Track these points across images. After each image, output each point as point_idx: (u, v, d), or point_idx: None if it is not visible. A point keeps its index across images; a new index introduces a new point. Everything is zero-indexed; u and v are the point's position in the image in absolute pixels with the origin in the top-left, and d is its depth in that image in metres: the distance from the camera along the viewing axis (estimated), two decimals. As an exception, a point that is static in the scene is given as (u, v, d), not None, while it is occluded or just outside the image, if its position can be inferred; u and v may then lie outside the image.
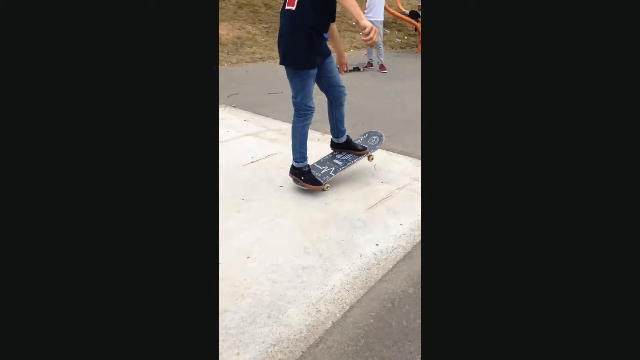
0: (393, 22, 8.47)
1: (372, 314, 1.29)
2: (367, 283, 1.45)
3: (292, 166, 2.06)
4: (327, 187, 2.12)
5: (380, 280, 1.46)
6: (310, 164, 2.11)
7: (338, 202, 2.04)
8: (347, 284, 1.44)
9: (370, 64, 5.82)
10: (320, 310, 1.32)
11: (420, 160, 2.57)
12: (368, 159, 2.37)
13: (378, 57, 5.63)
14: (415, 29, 7.67)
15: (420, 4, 7.74)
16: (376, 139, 2.40)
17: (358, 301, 1.35)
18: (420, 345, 1.16)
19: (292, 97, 1.95)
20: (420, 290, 1.39)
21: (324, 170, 2.20)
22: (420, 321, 1.26)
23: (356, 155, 2.26)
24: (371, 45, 1.73)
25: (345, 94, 2.09)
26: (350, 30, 7.92)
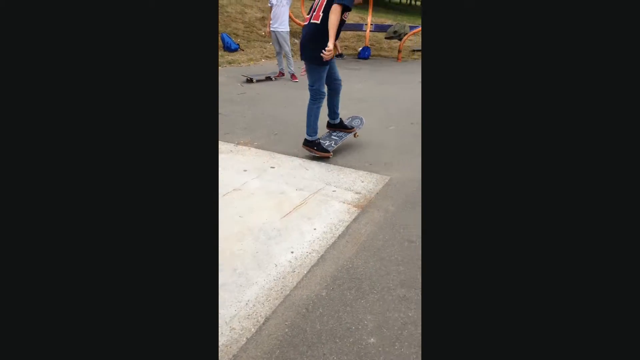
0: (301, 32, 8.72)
1: (287, 322, 1.29)
2: (282, 292, 1.44)
3: (306, 139, 2.72)
4: (332, 155, 2.77)
5: (295, 287, 1.47)
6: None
7: (253, 213, 2.01)
8: (262, 297, 1.42)
9: (281, 74, 5.89)
10: (234, 328, 1.27)
11: (332, 165, 2.67)
12: (354, 135, 3.08)
13: (289, 67, 5.73)
14: (323, 39, 7.99)
15: (325, 15, 8.09)
16: (358, 121, 3.15)
17: (273, 312, 1.34)
18: (332, 346, 1.20)
19: (309, 85, 2.63)
20: (332, 292, 1.44)
21: (326, 144, 2.85)
22: (332, 322, 1.29)
23: (346, 132, 2.98)
24: (326, 59, 2.39)
25: (341, 86, 2.82)
26: (260, 41, 7.94)
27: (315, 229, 1.89)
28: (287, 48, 5.62)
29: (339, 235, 1.83)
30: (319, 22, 2.40)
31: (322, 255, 1.67)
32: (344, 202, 2.17)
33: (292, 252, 1.70)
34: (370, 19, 9.19)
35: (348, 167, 2.64)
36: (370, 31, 8.85)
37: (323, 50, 2.34)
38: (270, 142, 3.07)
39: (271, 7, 5.47)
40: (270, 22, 5.53)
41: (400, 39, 8.43)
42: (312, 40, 2.44)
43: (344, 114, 3.09)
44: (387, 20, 11.29)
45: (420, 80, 4.24)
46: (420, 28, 8.56)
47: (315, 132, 2.71)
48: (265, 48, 7.66)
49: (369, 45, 8.64)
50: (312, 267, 1.59)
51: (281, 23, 5.47)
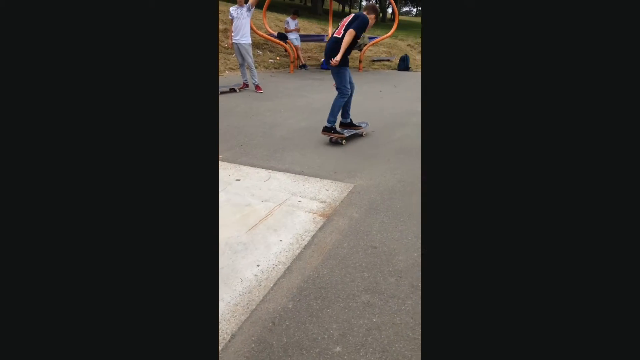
0: (264, 43, 8.75)
1: (253, 338, 1.28)
2: (248, 307, 1.43)
3: (325, 127, 3.43)
4: (345, 141, 3.46)
5: (262, 301, 1.46)
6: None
7: (219, 228, 1.98)
8: (228, 314, 1.40)
9: (245, 85, 5.87)
10: (199, 349, 1.24)
11: (297, 175, 2.68)
12: (362, 134, 3.75)
13: (252, 78, 5.72)
14: (285, 50, 8.06)
15: (285, 27, 8.18)
16: (365, 124, 3.82)
17: (239, 328, 1.32)
18: (299, 358, 1.20)
19: (336, 85, 3.36)
20: (299, 303, 1.44)
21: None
22: (299, 334, 1.30)
23: (356, 130, 3.64)
24: (333, 64, 3.18)
25: (354, 89, 3.48)
26: (223, 53, 7.87)
27: (281, 240, 1.89)
28: (250, 59, 5.62)
29: (305, 245, 1.85)
30: (340, 36, 3.19)
31: (288, 267, 1.67)
32: (309, 212, 2.19)
33: (258, 266, 1.69)
34: (330, 30, 9.38)
35: (313, 176, 2.67)
36: (332, 42, 9.03)
37: (332, 59, 3.17)
38: (236, 154, 3.05)
39: (232, 20, 5.47)
40: (232, 34, 5.52)
41: (360, 50, 8.67)
42: (334, 50, 3.22)
43: (308, 124, 3.16)
44: (348, 31, 11.56)
45: (381, 90, 4.38)
46: (378, 39, 8.85)
47: (335, 121, 3.41)
48: (228, 60, 7.61)
49: (331, 56, 8.80)
50: (279, 279, 1.59)
51: (243, 35, 5.47)
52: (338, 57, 3.12)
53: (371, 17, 3.24)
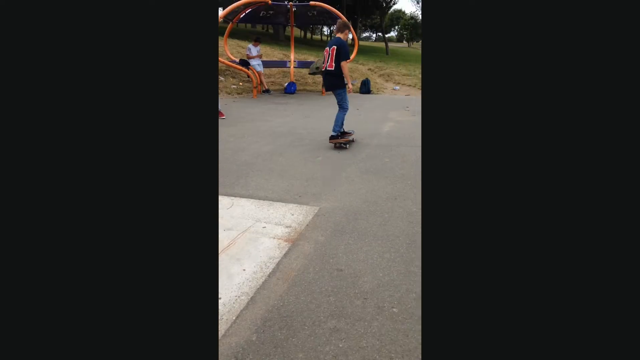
0: (227, 69, 8.78)
1: (214, 377, 1.20)
2: (209, 344, 1.36)
3: (331, 135, 4.16)
4: (348, 145, 4.20)
5: (224, 335, 1.39)
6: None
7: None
8: (187, 353, 1.32)
9: (208, 111, 5.81)
10: (154, 396, 1.15)
11: (262, 201, 2.65)
12: (353, 140, 4.38)
13: (214, 104, 5.69)
14: (248, 76, 8.12)
15: (247, 53, 8.29)
16: (353, 131, 4.43)
17: (199, 368, 1.24)
18: (263, 394, 1.14)
19: (338, 102, 4.14)
20: (263, 334, 1.39)
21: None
22: (263, 367, 1.24)
23: (348, 136, 4.29)
24: (350, 92, 4.10)
25: (348, 105, 4.24)
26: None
27: (244, 269, 1.83)
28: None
29: (270, 273, 1.80)
30: (333, 69, 3.95)
31: (252, 297, 1.61)
32: (274, 238, 2.15)
33: (220, 299, 1.62)
34: (293, 55, 9.60)
35: (278, 200, 2.65)
36: (294, 67, 9.23)
37: (349, 87, 4.03)
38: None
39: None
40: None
41: (322, 74, 8.91)
42: (331, 80, 4.06)
43: (272, 148, 3.14)
44: (309, 56, 11.89)
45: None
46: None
47: (339, 130, 4.13)
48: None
49: (294, 81, 8.97)
50: (242, 311, 1.53)
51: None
52: (350, 86, 4.04)
53: (345, 34, 3.94)
